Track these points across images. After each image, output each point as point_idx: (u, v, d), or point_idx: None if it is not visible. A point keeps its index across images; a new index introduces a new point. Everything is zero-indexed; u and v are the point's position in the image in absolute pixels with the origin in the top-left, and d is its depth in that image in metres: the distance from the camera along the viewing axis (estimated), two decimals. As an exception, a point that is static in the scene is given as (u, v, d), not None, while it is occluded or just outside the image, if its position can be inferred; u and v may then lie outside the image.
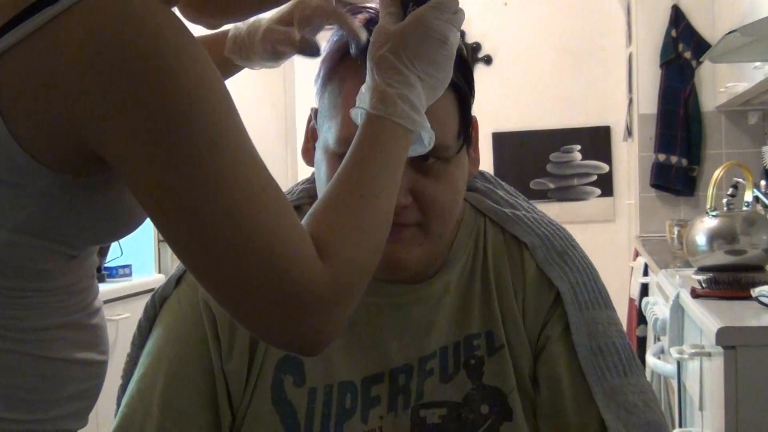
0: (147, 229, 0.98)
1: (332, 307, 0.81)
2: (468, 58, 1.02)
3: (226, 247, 0.78)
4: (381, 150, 0.87)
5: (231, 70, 1.13)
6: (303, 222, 0.84)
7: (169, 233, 0.80)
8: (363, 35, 0.96)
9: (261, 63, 1.10)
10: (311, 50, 1.01)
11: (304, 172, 1.11)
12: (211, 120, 0.78)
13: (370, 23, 0.98)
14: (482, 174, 1.17)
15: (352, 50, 0.99)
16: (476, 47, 5.25)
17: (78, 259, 0.91)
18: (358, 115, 0.90)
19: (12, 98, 0.78)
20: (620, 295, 3.96)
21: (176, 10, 0.89)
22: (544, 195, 5.16)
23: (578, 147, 5.19)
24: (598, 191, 5.19)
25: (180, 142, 0.77)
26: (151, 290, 1.14)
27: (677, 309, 2.39)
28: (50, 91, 0.77)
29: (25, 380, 0.88)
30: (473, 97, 1.04)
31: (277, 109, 4.90)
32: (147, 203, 0.80)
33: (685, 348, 2.14)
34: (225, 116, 0.80)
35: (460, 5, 0.93)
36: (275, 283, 0.79)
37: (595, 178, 5.19)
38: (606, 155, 5.16)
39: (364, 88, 0.90)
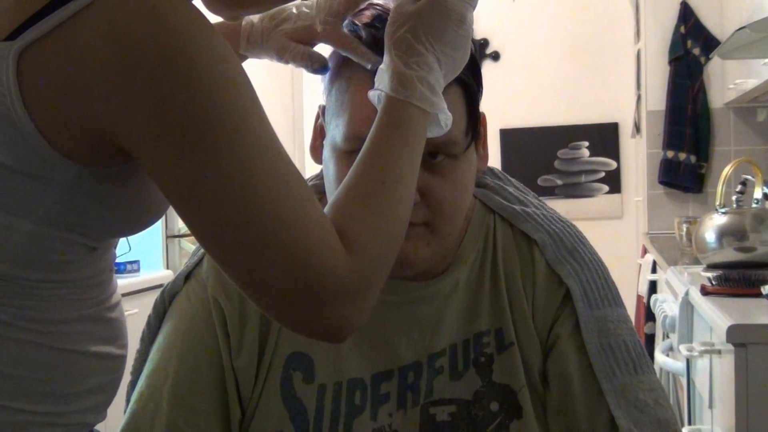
0: (155, 225, 0.98)
1: (357, 294, 0.82)
2: (476, 54, 1.02)
3: (250, 238, 0.79)
4: (401, 134, 0.88)
5: (240, 57, 1.13)
6: (325, 210, 0.85)
7: (192, 224, 0.81)
8: (373, 59, 0.95)
9: (270, 59, 1.10)
10: (323, 69, 1.02)
11: (312, 168, 1.11)
12: (233, 112, 0.79)
13: (377, 20, 0.97)
14: (492, 170, 1.16)
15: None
16: (484, 43, 5.24)
17: (98, 251, 0.92)
18: (376, 96, 0.91)
19: (36, 91, 0.79)
20: (628, 292, 3.95)
21: (198, 2, 0.90)
22: (551, 192, 5.15)
23: (586, 144, 5.18)
24: (606, 188, 5.18)
25: (202, 134, 0.77)
26: (159, 286, 1.15)
27: (687, 306, 2.39)
28: (73, 85, 0.78)
29: (45, 372, 0.89)
30: (481, 93, 1.03)
31: (285, 105, 4.90)
32: (170, 194, 0.81)
33: (694, 345, 2.14)
34: (247, 107, 0.80)
35: None
36: (299, 272, 0.79)
37: (602, 174, 5.18)
38: (614, 152, 5.15)
39: (383, 67, 0.90)
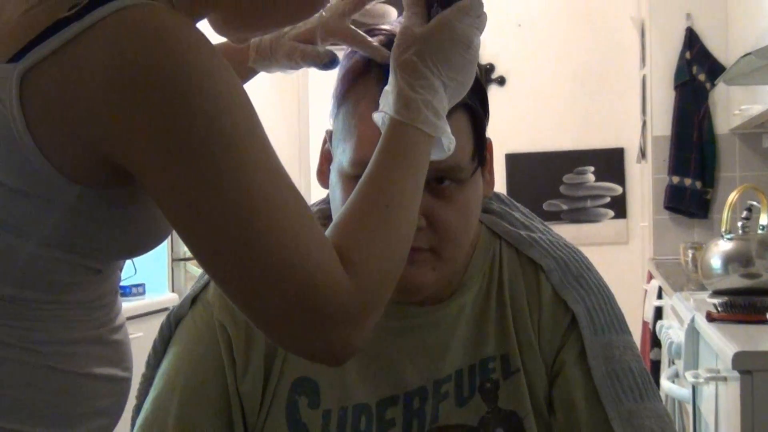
0: (160, 248, 0.99)
1: (357, 317, 0.82)
2: (482, 79, 1.02)
3: (250, 260, 0.79)
4: (405, 157, 0.88)
5: (248, 74, 1.14)
6: (327, 233, 0.85)
7: (193, 245, 0.81)
8: (384, 53, 0.96)
9: (281, 71, 1.11)
10: (333, 63, 1.03)
11: (318, 193, 1.12)
12: (235, 135, 0.79)
13: (387, 46, 0.98)
14: (498, 196, 1.17)
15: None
16: (490, 68, 5.25)
17: (103, 274, 0.92)
18: (380, 118, 0.91)
19: (38, 112, 0.79)
20: (633, 317, 3.93)
21: (204, 23, 0.90)
22: (557, 216, 5.15)
23: (592, 168, 5.18)
24: (612, 213, 5.17)
25: (203, 158, 0.78)
26: (165, 309, 1.15)
27: (692, 333, 2.38)
28: (74, 107, 0.78)
29: (48, 395, 0.89)
30: (488, 118, 1.04)
31: (291, 129, 4.92)
32: (171, 216, 0.81)
33: (700, 372, 2.13)
34: (248, 130, 0.81)
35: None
36: (299, 294, 0.80)
37: (608, 200, 5.17)
38: (619, 177, 5.15)
39: (388, 89, 0.91)
